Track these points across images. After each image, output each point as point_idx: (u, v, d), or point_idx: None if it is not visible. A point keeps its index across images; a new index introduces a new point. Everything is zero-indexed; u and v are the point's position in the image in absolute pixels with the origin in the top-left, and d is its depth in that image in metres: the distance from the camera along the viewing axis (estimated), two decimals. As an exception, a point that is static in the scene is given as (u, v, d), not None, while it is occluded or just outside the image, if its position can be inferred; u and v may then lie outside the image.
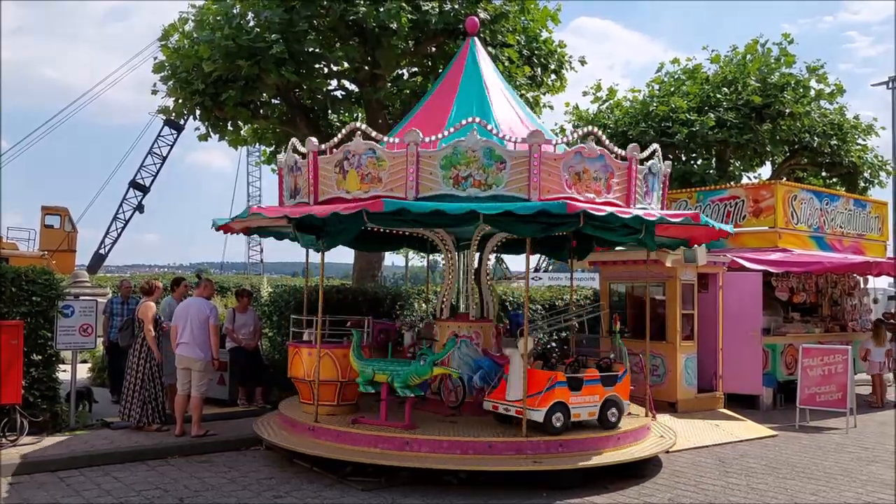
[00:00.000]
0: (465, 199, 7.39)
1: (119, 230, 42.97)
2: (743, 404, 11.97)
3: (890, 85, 32.82)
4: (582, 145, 7.76)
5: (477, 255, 9.97)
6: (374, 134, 7.89)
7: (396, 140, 7.78)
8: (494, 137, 7.71)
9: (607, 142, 8.05)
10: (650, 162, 8.45)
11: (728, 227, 9.06)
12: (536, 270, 45.13)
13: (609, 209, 7.36)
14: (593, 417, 7.92)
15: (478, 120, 7.79)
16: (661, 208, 8.86)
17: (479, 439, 7.40)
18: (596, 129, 8.06)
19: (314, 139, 8.24)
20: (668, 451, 8.44)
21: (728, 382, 11.85)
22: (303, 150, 8.27)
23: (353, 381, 8.30)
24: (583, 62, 14.73)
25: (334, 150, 7.98)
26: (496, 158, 7.48)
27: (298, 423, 8.16)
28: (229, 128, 14.10)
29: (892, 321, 15.05)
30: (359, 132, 7.88)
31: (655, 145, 8.69)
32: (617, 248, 11.82)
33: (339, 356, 8.40)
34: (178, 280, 10.64)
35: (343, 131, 8.15)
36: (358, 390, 8.30)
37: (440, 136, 7.74)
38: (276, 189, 9.16)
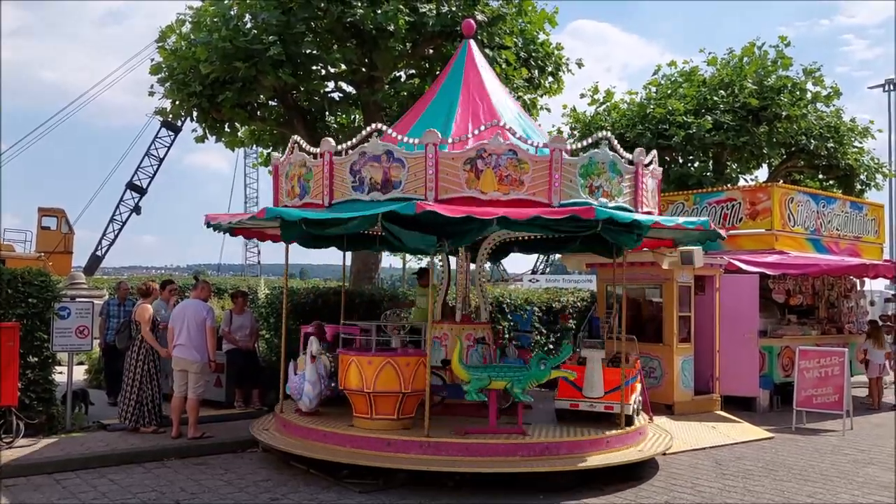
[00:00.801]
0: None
1: (116, 232, 42.87)
2: (740, 406, 11.99)
3: (886, 88, 32.92)
4: (596, 150, 7.92)
5: (474, 256, 9.99)
6: (393, 134, 7.85)
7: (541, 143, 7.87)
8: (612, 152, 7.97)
9: (618, 147, 8.15)
10: (652, 166, 8.47)
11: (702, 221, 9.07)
12: (534, 272, 45.19)
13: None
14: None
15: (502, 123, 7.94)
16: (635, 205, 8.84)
17: (476, 441, 7.39)
18: (609, 135, 8.18)
19: (330, 140, 8.18)
20: (664, 453, 8.45)
21: (725, 384, 11.87)
22: (315, 150, 8.23)
23: (416, 392, 7.79)
24: (580, 64, 14.76)
25: (350, 150, 7.92)
26: (618, 171, 7.90)
27: (295, 425, 8.15)
28: (226, 129, 14.11)
29: (888, 323, 15.09)
30: (376, 133, 7.88)
31: (640, 149, 8.69)
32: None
33: (402, 365, 7.79)
34: (164, 283, 10.64)
35: (364, 131, 8.04)
36: (467, 399, 7.83)
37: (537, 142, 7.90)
38: (322, 182, 8.77)
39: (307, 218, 7.61)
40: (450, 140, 7.83)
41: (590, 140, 8.18)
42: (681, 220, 8.58)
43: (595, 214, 7.02)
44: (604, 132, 8.40)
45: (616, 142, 8.17)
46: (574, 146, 8.04)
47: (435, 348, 9.39)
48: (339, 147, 8.05)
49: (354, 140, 7.99)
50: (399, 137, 7.76)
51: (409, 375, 7.77)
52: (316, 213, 7.88)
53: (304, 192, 8.40)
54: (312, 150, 8.30)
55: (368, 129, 8.00)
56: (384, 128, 8.01)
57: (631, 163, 8.16)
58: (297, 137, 8.67)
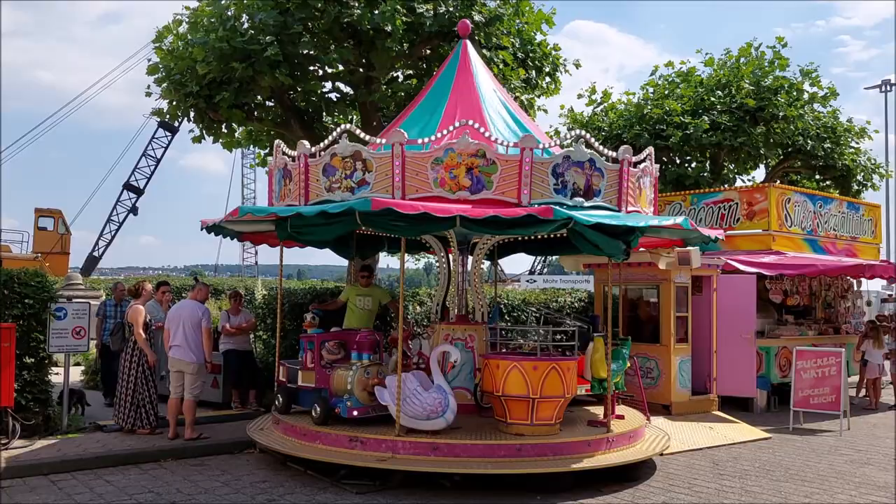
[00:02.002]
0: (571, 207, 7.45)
1: (113, 232, 42.83)
2: (737, 407, 12.00)
3: (883, 88, 32.99)
4: (570, 149, 7.81)
5: (470, 257, 9.97)
6: (362, 135, 7.90)
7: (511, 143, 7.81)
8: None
9: (596, 144, 8.05)
10: (644, 164, 8.43)
11: (715, 233, 9.10)
12: (531, 273, 45.16)
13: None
14: None
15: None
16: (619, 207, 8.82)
17: (475, 442, 7.39)
18: (584, 133, 8.08)
19: (306, 142, 8.26)
20: (661, 454, 8.45)
21: (722, 385, 11.87)
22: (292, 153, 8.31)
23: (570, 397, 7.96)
24: (577, 65, 14.75)
25: (322, 152, 7.99)
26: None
27: (292, 426, 8.13)
28: (223, 130, 14.08)
29: (885, 323, 15.10)
30: (346, 134, 7.91)
31: (635, 147, 8.69)
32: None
33: (565, 370, 7.74)
34: (158, 284, 10.67)
35: (333, 134, 8.11)
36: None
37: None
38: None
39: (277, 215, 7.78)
40: (423, 140, 7.83)
41: (567, 139, 8.14)
42: (655, 220, 8.10)
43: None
44: (578, 130, 8.24)
45: (593, 140, 8.07)
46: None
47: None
48: (313, 149, 8.13)
49: (325, 142, 8.06)
50: (369, 139, 7.91)
51: (572, 380, 7.88)
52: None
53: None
54: (291, 152, 8.39)
55: (338, 130, 8.05)
56: (353, 128, 8.08)
57: (615, 161, 8.05)
58: (347, 126, 8.70)
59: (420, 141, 7.80)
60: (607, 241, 7.45)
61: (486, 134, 7.88)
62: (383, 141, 7.75)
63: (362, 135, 8.16)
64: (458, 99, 8.96)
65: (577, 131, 8.15)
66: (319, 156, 8.01)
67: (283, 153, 8.56)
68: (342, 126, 8.11)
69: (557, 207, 7.13)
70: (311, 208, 7.62)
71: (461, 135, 7.67)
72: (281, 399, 8.61)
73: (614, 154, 8.12)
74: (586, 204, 7.70)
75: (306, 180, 8.12)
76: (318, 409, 7.97)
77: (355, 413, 7.74)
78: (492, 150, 7.59)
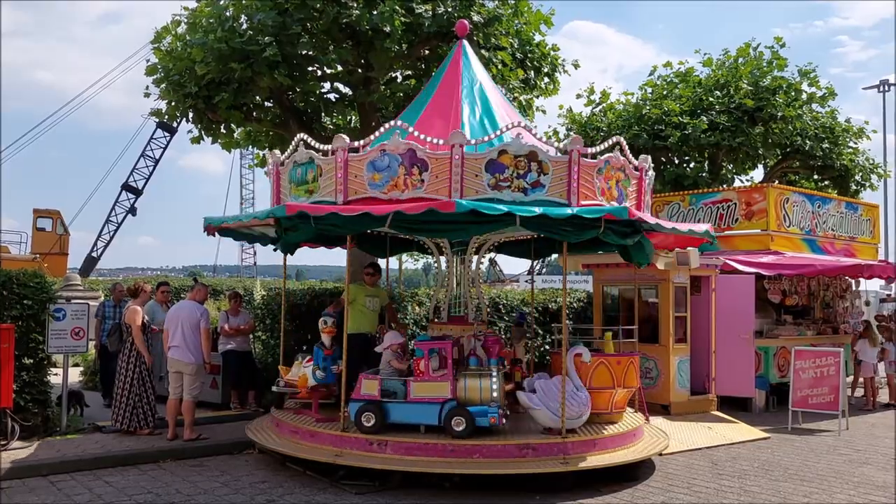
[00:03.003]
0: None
1: (111, 233, 42.83)
2: (736, 407, 12.01)
3: (881, 89, 33.05)
4: (610, 154, 7.90)
5: (469, 258, 9.97)
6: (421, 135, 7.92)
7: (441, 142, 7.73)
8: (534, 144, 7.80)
9: (627, 151, 8.10)
10: (608, 155, 8.27)
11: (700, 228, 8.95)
12: (530, 273, 45.07)
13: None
14: None
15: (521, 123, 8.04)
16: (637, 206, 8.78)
17: (473, 442, 7.39)
18: (621, 139, 8.09)
19: (345, 136, 8.15)
20: (660, 454, 8.46)
21: (721, 385, 11.88)
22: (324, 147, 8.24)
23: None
24: (576, 66, 14.76)
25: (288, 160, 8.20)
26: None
27: (291, 427, 8.13)
28: (222, 130, 14.07)
29: (883, 323, 15.12)
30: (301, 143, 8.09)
31: (617, 137, 8.60)
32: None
33: (637, 364, 8.89)
34: (158, 284, 10.68)
35: (383, 127, 8.04)
36: None
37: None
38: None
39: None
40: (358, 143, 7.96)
41: (605, 144, 8.11)
42: (570, 210, 7.46)
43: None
44: (515, 122, 8.13)
45: (536, 131, 8.03)
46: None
47: None
48: (282, 158, 8.38)
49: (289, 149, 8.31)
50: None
51: (637, 373, 8.90)
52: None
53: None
54: (323, 147, 8.27)
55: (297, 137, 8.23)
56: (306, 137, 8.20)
57: (565, 152, 7.77)
58: (303, 135, 8.67)
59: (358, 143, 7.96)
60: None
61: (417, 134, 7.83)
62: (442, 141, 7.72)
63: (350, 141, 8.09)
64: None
65: (616, 138, 8.13)
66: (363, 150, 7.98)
67: (308, 146, 8.40)
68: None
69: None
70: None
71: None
72: (375, 417, 7.59)
73: (637, 161, 8.13)
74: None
75: (345, 176, 7.90)
76: (465, 421, 7.45)
77: (504, 421, 7.68)
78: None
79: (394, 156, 7.60)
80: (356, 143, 7.86)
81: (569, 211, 7.27)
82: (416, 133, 7.77)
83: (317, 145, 8.07)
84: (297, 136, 8.28)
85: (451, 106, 8.78)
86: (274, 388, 8.90)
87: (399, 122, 7.92)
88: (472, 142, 7.67)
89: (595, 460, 7.48)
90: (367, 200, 7.60)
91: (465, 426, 7.43)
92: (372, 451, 7.39)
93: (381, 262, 10.97)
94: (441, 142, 7.64)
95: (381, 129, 7.94)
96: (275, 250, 9.32)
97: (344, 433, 7.64)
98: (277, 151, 8.45)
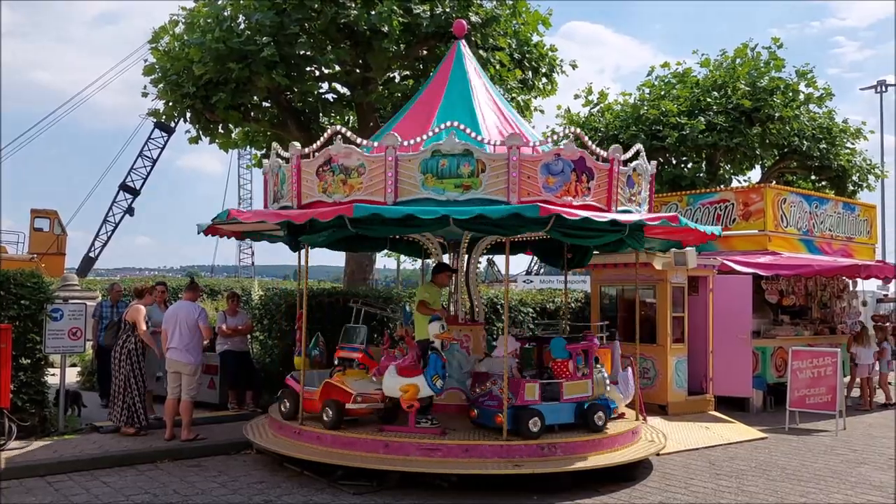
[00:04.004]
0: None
1: (109, 233, 42.77)
2: (733, 407, 12.02)
3: (878, 89, 33.12)
4: (329, 146, 7.73)
5: (466, 257, 9.97)
6: (353, 137, 7.87)
7: (375, 144, 7.77)
8: (473, 140, 7.59)
9: (589, 142, 7.97)
10: (635, 163, 8.38)
11: (715, 229, 9.00)
12: (528, 273, 45.14)
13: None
14: None
15: (456, 123, 7.69)
16: (650, 210, 8.84)
17: (468, 442, 7.39)
18: (577, 130, 7.99)
19: (297, 144, 8.27)
20: (658, 454, 8.46)
21: (718, 385, 11.90)
22: (286, 154, 8.31)
23: None
24: (574, 66, 14.78)
25: (316, 153, 8.02)
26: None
27: (288, 427, 8.13)
28: (220, 130, 14.07)
29: (880, 323, 15.15)
30: (339, 136, 7.88)
31: (639, 145, 8.63)
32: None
33: None
34: (156, 285, 10.68)
35: (325, 135, 8.18)
36: None
37: (422, 138, 7.73)
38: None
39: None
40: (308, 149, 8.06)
41: (560, 135, 8.11)
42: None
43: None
44: (571, 128, 8.09)
45: (586, 137, 7.95)
46: (535, 144, 7.94)
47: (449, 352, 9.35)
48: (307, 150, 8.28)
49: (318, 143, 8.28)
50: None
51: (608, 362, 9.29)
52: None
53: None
54: (284, 153, 8.42)
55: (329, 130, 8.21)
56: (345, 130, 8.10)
57: (605, 160, 7.81)
58: (275, 145, 8.79)
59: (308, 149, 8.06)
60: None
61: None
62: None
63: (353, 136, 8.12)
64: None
65: (571, 129, 8.06)
66: (313, 156, 8.08)
67: (278, 155, 8.54)
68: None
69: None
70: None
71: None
72: (540, 422, 7.61)
73: (604, 153, 7.95)
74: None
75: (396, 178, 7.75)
76: (604, 415, 8.10)
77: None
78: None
79: (566, 161, 7.56)
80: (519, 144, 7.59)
81: (477, 210, 7.10)
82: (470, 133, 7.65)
83: (472, 134, 7.68)
84: (449, 126, 7.75)
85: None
86: (351, 406, 7.86)
87: (456, 123, 7.74)
88: (405, 145, 7.63)
89: (592, 461, 7.48)
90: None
91: (604, 420, 8.07)
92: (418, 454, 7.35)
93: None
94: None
95: (437, 129, 7.86)
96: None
97: (344, 433, 7.64)
98: (397, 135, 8.16)
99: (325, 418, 7.76)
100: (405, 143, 7.62)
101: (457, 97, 8.91)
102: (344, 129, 8.00)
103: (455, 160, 7.43)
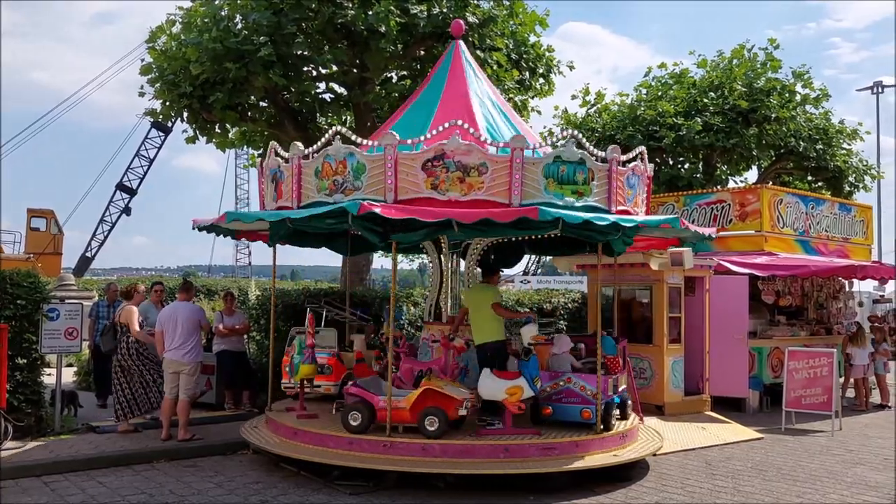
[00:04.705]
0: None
1: (106, 233, 42.70)
2: (729, 407, 12.04)
3: (874, 90, 33.18)
4: (444, 141, 7.64)
5: (462, 258, 9.98)
6: (353, 137, 7.86)
7: (374, 142, 7.73)
8: (585, 151, 7.79)
9: (587, 144, 8.00)
10: (633, 164, 8.41)
11: (709, 231, 9.06)
12: (525, 273, 45.15)
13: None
14: None
15: (573, 131, 7.91)
16: (646, 211, 8.88)
17: (466, 442, 7.40)
18: (575, 132, 8.03)
19: (300, 144, 8.24)
20: (654, 454, 8.47)
21: (714, 385, 11.91)
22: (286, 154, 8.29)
23: None
24: (571, 67, 14.80)
25: (315, 154, 7.98)
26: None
27: (286, 427, 8.12)
28: (217, 130, 14.07)
29: (876, 324, 15.18)
30: (338, 135, 7.87)
31: (641, 147, 8.68)
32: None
33: None
34: (152, 284, 10.68)
35: (327, 135, 8.10)
36: None
37: (423, 138, 7.73)
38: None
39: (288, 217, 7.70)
40: (411, 140, 7.70)
41: (560, 136, 8.14)
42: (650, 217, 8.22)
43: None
44: (571, 130, 8.11)
45: (584, 139, 8.00)
46: (536, 146, 7.97)
47: (423, 351, 9.40)
48: (307, 151, 8.09)
49: (318, 143, 8.04)
50: (363, 142, 7.80)
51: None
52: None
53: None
54: (284, 153, 8.36)
55: (331, 131, 8.00)
56: (345, 130, 7.99)
57: (604, 160, 7.91)
58: (273, 143, 8.73)
59: (410, 141, 7.71)
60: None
61: (480, 136, 7.83)
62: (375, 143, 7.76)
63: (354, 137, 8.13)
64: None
65: (570, 130, 8.09)
66: (313, 157, 8.04)
67: (277, 154, 8.53)
68: (335, 128, 8.06)
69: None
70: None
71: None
72: (616, 415, 8.39)
73: (603, 154, 8.01)
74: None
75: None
76: (620, 413, 8.62)
77: None
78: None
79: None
80: (411, 140, 7.68)
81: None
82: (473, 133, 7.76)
83: (589, 148, 7.88)
84: (333, 129, 7.98)
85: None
86: (461, 412, 7.62)
87: (573, 132, 7.90)
88: (531, 146, 7.72)
89: (589, 461, 7.48)
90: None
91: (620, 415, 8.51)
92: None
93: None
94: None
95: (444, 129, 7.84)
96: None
97: (341, 433, 7.64)
98: (299, 144, 8.23)
99: (429, 428, 7.38)
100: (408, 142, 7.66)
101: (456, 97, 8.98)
102: (343, 129, 8.00)
103: (572, 167, 7.65)
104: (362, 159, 7.62)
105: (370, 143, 7.76)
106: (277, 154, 8.49)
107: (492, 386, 7.70)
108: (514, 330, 10.57)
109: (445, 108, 8.74)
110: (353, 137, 7.83)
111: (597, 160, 7.90)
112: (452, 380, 8.11)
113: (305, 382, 8.90)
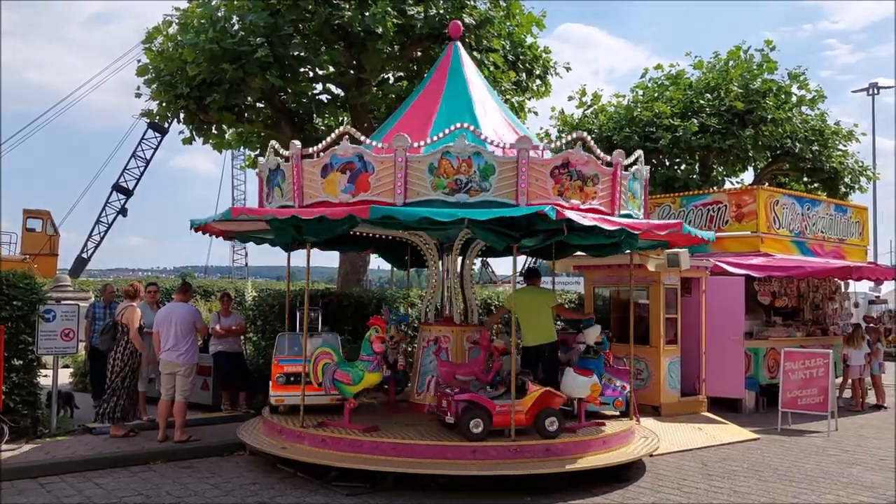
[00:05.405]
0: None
1: (102, 234, 42.66)
2: (726, 408, 12.06)
3: (870, 91, 33.27)
4: (570, 151, 7.75)
5: (460, 259, 9.98)
6: (360, 137, 7.85)
7: (385, 145, 7.70)
8: (483, 143, 7.67)
9: (594, 147, 8.04)
10: (634, 168, 8.47)
11: (709, 235, 9.09)
12: (522, 275, 44.93)
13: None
14: None
15: (467, 125, 7.75)
16: (645, 213, 8.92)
17: (464, 443, 7.40)
18: (584, 134, 8.05)
19: (297, 142, 8.23)
20: (651, 455, 8.48)
21: (711, 386, 11.93)
22: (286, 153, 8.25)
23: None
24: (567, 68, 14.83)
25: (321, 153, 7.93)
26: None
27: (282, 428, 8.11)
28: (213, 131, 14.06)
29: (872, 325, 15.21)
30: (346, 136, 7.84)
31: (639, 151, 8.73)
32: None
33: None
34: (147, 285, 10.67)
35: (332, 135, 8.00)
36: None
37: (426, 141, 7.72)
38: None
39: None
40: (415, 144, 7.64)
41: (562, 141, 8.15)
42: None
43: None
44: (578, 132, 8.19)
45: (591, 141, 8.03)
46: (544, 147, 8.03)
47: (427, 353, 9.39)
48: (311, 150, 8.04)
49: (323, 143, 7.96)
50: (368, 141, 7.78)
51: None
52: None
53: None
54: (285, 152, 8.29)
55: (337, 131, 7.94)
56: (354, 131, 7.94)
57: (609, 164, 7.97)
58: (273, 143, 8.68)
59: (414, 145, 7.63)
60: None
61: (482, 136, 7.79)
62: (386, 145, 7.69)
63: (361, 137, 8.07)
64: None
65: (577, 133, 8.12)
66: (317, 156, 7.97)
67: (276, 153, 8.49)
68: (342, 128, 8.02)
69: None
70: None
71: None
72: None
73: (608, 157, 8.06)
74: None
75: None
76: None
77: None
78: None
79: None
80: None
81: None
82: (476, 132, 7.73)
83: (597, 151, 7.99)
84: (340, 129, 7.94)
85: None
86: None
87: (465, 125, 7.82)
88: (539, 147, 7.78)
89: (586, 462, 7.49)
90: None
91: None
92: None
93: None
94: (507, 145, 7.73)
95: (448, 130, 7.74)
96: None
97: (339, 434, 7.64)
98: (407, 136, 8.14)
99: (550, 429, 7.56)
100: (414, 145, 7.67)
101: (459, 98, 9.00)
102: (351, 129, 7.97)
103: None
104: (492, 161, 7.51)
105: (501, 143, 7.72)
106: (353, 139, 8.06)
107: (578, 383, 8.14)
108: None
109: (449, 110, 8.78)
110: (481, 136, 7.77)
111: (602, 164, 7.96)
112: (489, 382, 8.13)
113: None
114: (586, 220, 7.14)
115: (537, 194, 7.53)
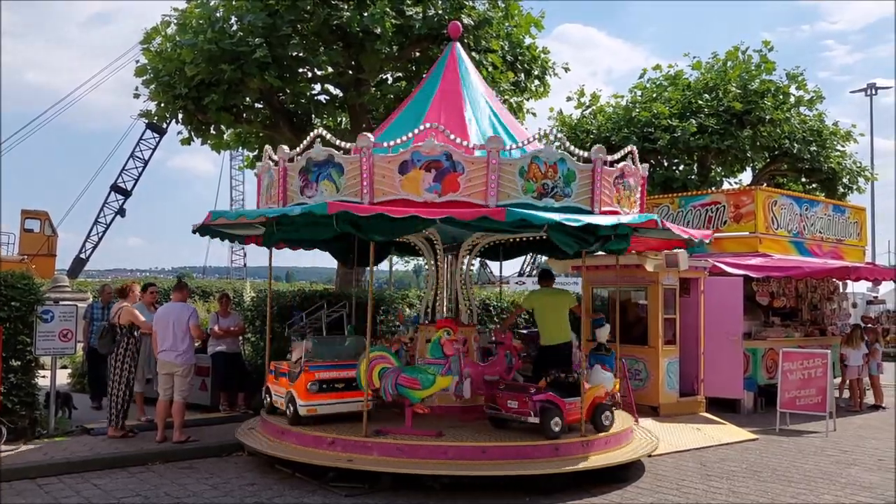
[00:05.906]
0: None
1: (100, 234, 42.67)
2: (724, 408, 12.06)
3: (868, 92, 33.34)
4: (625, 163, 8.14)
5: (459, 259, 9.98)
6: (332, 139, 7.83)
7: (475, 144, 7.78)
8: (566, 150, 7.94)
9: (568, 144, 8.03)
10: (622, 164, 8.40)
11: (697, 233, 9.10)
12: (521, 275, 45.14)
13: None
14: None
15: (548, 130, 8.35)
16: (641, 212, 8.90)
17: (464, 444, 7.40)
18: (553, 130, 8.14)
19: (286, 147, 8.21)
20: (650, 455, 8.48)
21: (709, 386, 11.94)
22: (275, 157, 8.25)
23: None
24: (566, 68, 14.83)
25: (298, 157, 7.95)
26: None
27: (280, 429, 8.11)
28: (212, 132, 14.06)
29: (870, 325, 15.22)
30: (318, 139, 7.85)
31: (632, 146, 8.71)
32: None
33: None
34: (145, 286, 10.65)
35: (309, 137, 7.99)
36: None
37: (515, 144, 7.92)
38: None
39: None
40: (386, 143, 7.61)
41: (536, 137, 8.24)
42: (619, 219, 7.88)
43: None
44: (547, 128, 8.35)
45: (567, 142, 8.06)
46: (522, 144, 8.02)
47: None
48: (292, 153, 8.07)
49: (300, 146, 7.98)
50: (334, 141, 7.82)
51: None
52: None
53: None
54: (346, 144, 8.19)
55: (312, 134, 7.96)
56: (326, 133, 7.96)
57: (588, 161, 7.85)
58: (267, 147, 8.65)
59: (386, 144, 7.65)
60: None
61: (453, 137, 7.72)
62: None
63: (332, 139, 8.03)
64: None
65: (547, 128, 8.19)
66: (296, 159, 8.03)
67: (270, 157, 8.47)
68: (316, 131, 8.03)
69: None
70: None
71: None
72: None
73: (586, 154, 7.96)
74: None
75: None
76: None
77: None
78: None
79: None
80: (387, 144, 7.63)
81: None
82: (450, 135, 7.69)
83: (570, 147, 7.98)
84: (314, 132, 7.93)
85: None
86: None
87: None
88: (508, 147, 7.77)
89: (585, 462, 7.49)
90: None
91: None
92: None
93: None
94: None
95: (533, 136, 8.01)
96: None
97: (337, 434, 7.63)
98: (285, 147, 8.25)
99: (605, 423, 8.05)
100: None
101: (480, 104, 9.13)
102: (325, 132, 7.99)
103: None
104: (573, 167, 7.70)
105: (578, 153, 7.85)
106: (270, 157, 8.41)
107: (604, 379, 8.44)
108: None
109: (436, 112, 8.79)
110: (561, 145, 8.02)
111: (578, 160, 7.86)
112: (510, 381, 8.34)
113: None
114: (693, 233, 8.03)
115: (605, 202, 7.93)
